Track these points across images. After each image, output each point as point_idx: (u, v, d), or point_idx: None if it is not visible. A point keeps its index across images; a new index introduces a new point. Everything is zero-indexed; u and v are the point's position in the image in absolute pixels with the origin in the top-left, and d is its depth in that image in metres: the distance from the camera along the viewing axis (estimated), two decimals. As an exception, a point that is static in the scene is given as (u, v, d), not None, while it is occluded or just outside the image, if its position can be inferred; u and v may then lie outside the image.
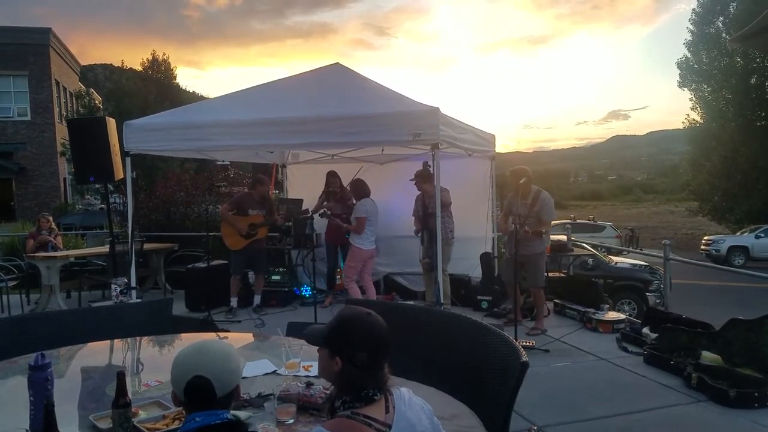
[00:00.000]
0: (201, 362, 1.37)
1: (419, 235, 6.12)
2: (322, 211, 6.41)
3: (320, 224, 6.61)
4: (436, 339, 2.72)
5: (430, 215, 5.74)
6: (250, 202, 6.22)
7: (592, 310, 5.82)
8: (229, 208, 6.19)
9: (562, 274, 7.17)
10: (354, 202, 6.23)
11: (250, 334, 3.52)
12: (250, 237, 6.11)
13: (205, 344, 1.44)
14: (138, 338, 2.90)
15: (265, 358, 2.44)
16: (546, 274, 6.77)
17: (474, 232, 5.85)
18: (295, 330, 3.01)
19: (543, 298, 5.61)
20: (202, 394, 1.34)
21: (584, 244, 9.34)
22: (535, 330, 5.46)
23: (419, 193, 6.11)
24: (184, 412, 1.41)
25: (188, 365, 1.37)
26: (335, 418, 1.36)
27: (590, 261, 8.73)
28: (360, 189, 6.13)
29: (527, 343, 4.94)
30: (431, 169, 5.72)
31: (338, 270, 6.77)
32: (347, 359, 1.38)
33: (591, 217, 26.78)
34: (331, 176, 6.64)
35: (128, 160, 5.69)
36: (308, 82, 6.20)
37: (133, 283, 5.59)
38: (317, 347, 1.46)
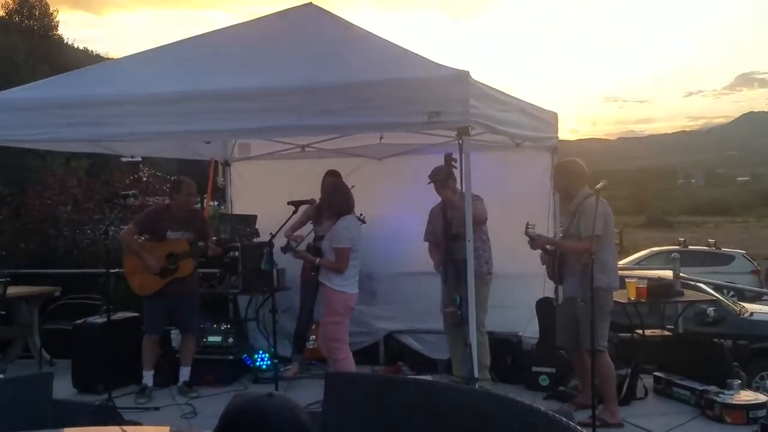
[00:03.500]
0: None
1: (440, 270, 6.10)
2: (286, 242, 6.33)
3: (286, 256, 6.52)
4: (466, 432, 2.71)
5: (455, 238, 5.68)
6: (167, 221, 6.29)
7: (714, 388, 5.83)
8: (134, 231, 6.29)
9: (667, 333, 7.19)
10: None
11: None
12: (168, 274, 6.14)
13: None
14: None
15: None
16: (643, 332, 6.72)
17: (525, 265, 5.86)
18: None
19: (610, 367, 5.57)
20: None
21: (701, 284, 9.39)
22: (601, 419, 5.37)
23: (435, 205, 6.15)
24: None
25: None
26: None
27: (711, 311, 8.76)
28: (341, 199, 6.00)
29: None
30: (456, 166, 5.67)
31: (313, 326, 6.77)
32: None
33: (711, 241, 26.73)
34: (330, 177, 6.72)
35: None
36: (266, 32, 6.28)
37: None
38: None
